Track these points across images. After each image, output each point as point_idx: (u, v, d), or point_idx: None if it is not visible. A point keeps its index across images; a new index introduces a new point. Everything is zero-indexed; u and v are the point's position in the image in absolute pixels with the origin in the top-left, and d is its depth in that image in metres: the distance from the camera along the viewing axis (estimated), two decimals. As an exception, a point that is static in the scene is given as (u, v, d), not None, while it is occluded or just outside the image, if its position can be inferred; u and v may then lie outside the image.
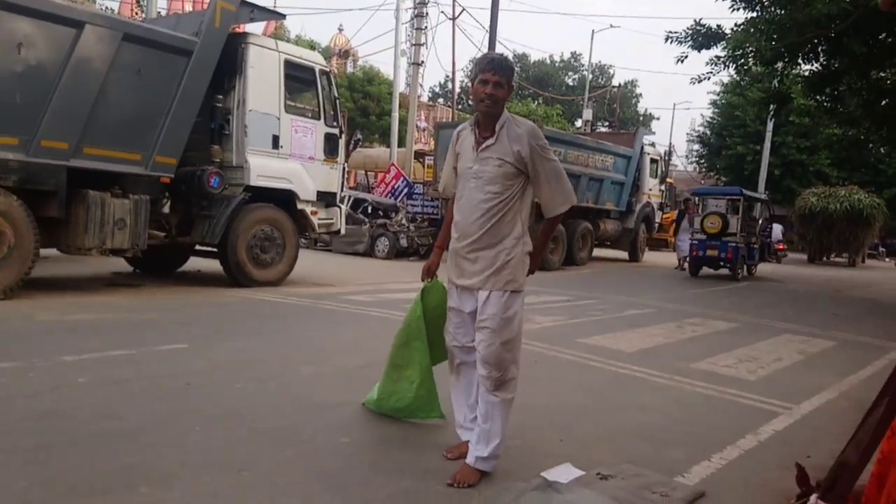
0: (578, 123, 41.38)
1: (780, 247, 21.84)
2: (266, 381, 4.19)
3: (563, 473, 3.01)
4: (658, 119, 57.96)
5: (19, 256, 6.44)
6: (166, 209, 7.98)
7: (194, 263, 9.47)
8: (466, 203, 2.97)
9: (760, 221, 16.49)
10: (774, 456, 3.48)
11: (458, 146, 3.12)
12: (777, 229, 20.56)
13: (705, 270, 15.33)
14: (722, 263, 14.72)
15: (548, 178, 2.96)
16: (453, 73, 27.27)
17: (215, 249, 8.30)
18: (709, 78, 12.56)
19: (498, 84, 2.89)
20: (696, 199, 16.47)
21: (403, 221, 15.04)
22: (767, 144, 27.87)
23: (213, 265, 8.70)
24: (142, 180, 7.40)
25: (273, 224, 8.54)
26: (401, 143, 21.95)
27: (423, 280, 3.32)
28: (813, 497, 0.93)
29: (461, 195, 3.02)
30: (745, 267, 15.56)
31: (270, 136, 8.40)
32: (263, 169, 8.31)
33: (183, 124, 7.57)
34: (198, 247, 8.60)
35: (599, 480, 2.95)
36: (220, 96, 8.15)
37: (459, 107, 42.06)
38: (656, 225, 19.33)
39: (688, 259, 15.54)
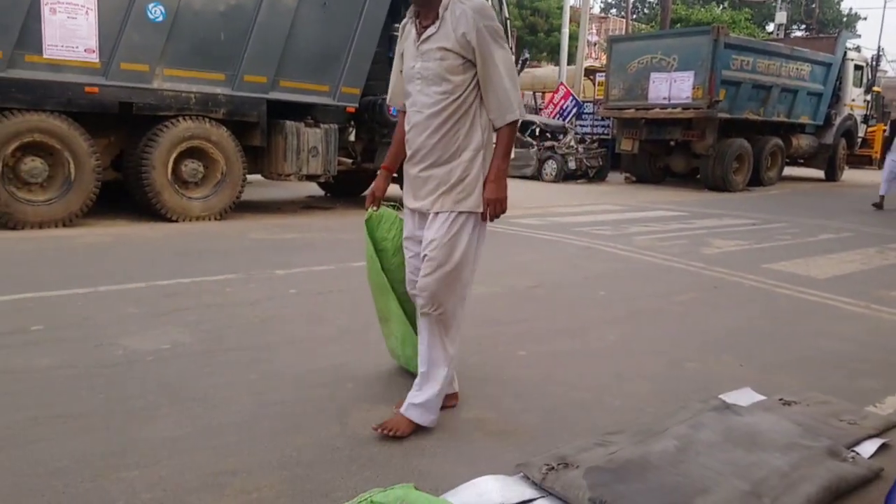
0: (770, 28, 37.40)
1: None
2: (449, 297, 4.51)
3: (743, 397, 2.95)
4: (865, 19, 50.89)
5: (231, 182, 7.28)
6: (352, 137, 8.54)
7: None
8: (413, 111, 2.46)
9: None
10: None
11: (402, 44, 2.54)
12: None
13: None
14: None
15: (491, 72, 2.31)
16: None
17: (395, 175, 8.73)
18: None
19: None
20: None
21: (572, 143, 14.77)
22: None
23: (393, 190, 9.20)
24: (330, 110, 7.97)
25: (445, 149, 8.81)
26: (570, 61, 21.23)
27: (366, 208, 2.82)
28: None
29: (409, 103, 2.50)
30: None
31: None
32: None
33: (365, 54, 7.96)
34: (380, 172, 9.14)
35: (782, 406, 2.86)
36: (397, 25, 8.39)
37: (634, 17, 39.63)
38: (859, 140, 17.37)
39: None
